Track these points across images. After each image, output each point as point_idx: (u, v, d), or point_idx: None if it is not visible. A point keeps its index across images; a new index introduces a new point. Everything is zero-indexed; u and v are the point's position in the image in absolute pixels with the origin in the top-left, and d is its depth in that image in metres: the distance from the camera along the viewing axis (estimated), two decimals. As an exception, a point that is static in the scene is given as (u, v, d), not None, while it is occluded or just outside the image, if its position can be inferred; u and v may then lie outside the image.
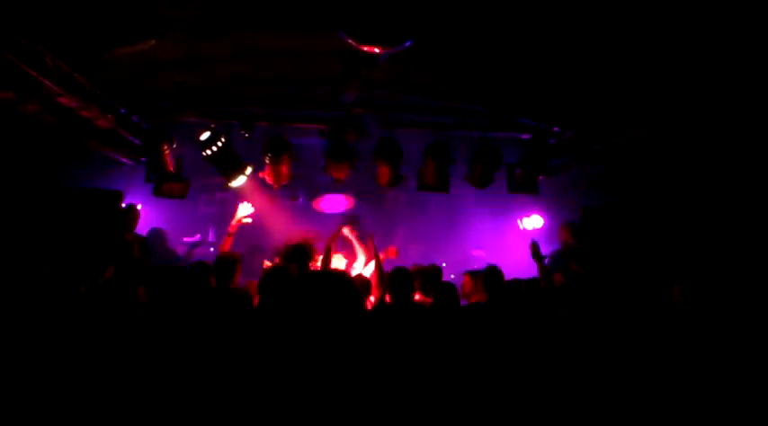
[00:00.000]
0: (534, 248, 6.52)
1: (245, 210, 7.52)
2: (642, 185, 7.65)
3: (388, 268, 6.11)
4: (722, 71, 5.28)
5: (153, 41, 5.95)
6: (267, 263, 6.88)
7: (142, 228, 7.97)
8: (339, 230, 7.30)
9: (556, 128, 7.86)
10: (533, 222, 10.12)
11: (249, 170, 8.18)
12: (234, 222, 7.35)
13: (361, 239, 7.78)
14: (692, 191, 6.87)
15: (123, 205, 7.41)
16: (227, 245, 6.98)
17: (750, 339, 4.37)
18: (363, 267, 7.58)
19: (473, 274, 6.65)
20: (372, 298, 6.15)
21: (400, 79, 7.36)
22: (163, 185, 8.02)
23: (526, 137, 8.05)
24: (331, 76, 7.18)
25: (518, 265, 9.29)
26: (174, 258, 8.26)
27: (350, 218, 8.28)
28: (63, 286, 4.78)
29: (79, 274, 5.14)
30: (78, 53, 5.79)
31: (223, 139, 7.48)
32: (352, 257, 8.01)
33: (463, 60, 6.86)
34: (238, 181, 8.17)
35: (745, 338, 4.38)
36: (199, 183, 9.20)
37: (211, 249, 10.38)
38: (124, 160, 8.06)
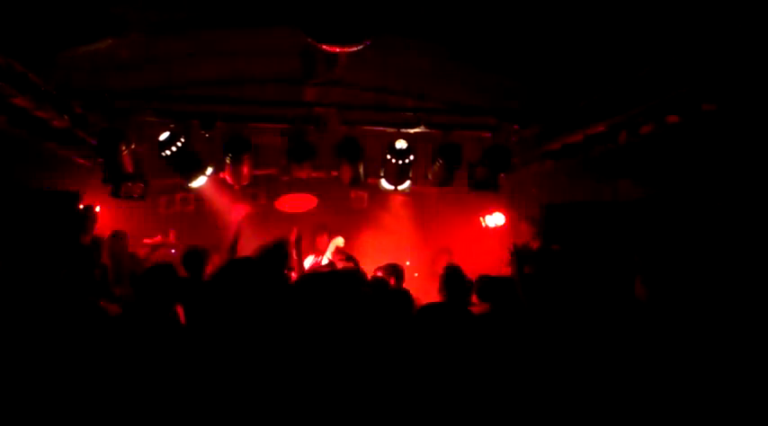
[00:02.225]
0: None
1: None
2: (604, 181, 7.73)
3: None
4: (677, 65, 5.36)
5: (109, 41, 5.87)
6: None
7: (101, 229, 7.85)
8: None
9: (516, 126, 7.92)
10: (495, 219, 10.18)
11: (209, 170, 8.10)
12: None
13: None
14: (655, 187, 6.96)
15: (81, 206, 7.29)
16: None
17: (716, 332, 4.45)
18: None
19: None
20: None
21: (362, 77, 7.36)
22: (121, 186, 7.89)
23: (487, 134, 8.08)
24: (291, 75, 7.15)
25: (482, 262, 9.34)
26: (136, 261, 8.14)
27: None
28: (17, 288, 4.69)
29: (34, 277, 5.03)
30: (32, 53, 5.68)
31: (182, 140, 7.38)
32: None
33: (423, 58, 6.90)
34: (198, 182, 8.08)
35: (711, 332, 4.46)
36: (158, 184, 9.08)
37: (172, 251, 10.25)
38: (81, 161, 7.92)
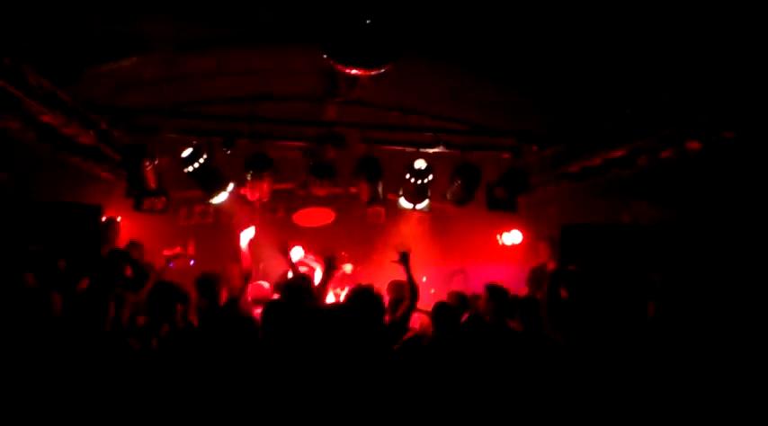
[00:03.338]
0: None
1: None
2: (622, 203, 7.72)
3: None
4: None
5: (134, 58, 5.97)
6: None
7: (123, 241, 7.94)
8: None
9: (535, 147, 7.94)
10: (512, 238, 10.18)
11: (231, 186, 8.17)
12: None
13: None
14: (673, 211, 6.94)
15: (103, 218, 7.39)
16: None
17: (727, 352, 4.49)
18: None
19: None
20: None
21: (382, 96, 7.41)
22: (143, 200, 7.99)
23: (506, 155, 8.10)
24: (312, 94, 7.22)
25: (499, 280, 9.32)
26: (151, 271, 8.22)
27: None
28: (42, 298, 4.76)
29: (57, 286, 5.11)
30: (61, 69, 5.78)
31: (205, 156, 7.46)
32: None
33: (444, 79, 6.94)
34: (219, 198, 8.16)
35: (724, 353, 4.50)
36: (178, 196, 9.18)
37: (191, 262, 10.33)
38: (105, 175, 8.03)
